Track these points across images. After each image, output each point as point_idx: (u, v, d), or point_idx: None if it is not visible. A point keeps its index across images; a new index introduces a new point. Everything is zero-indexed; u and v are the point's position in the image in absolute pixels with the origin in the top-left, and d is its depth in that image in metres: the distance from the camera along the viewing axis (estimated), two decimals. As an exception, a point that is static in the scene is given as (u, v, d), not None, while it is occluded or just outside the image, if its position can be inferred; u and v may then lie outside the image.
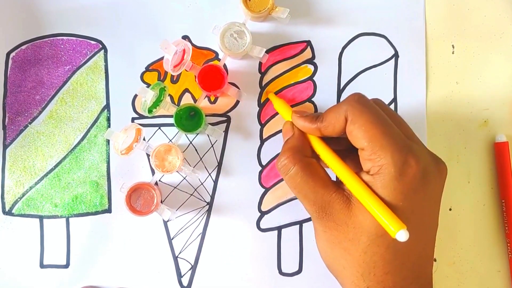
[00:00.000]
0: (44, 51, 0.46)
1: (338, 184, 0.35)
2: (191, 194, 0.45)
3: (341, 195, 0.34)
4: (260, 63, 0.46)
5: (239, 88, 0.46)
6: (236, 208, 0.45)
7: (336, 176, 0.36)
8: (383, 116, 0.33)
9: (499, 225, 0.45)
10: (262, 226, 0.45)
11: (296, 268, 0.45)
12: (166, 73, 0.46)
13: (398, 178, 0.31)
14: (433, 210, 0.35)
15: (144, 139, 0.44)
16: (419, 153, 0.33)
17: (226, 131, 0.46)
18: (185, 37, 0.46)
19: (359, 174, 0.33)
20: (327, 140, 0.37)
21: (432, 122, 0.46)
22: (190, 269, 0.45)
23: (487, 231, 0.45)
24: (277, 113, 0.46)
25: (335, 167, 0.34)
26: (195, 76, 0.44)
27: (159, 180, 0.45)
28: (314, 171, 0.35)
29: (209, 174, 0.45)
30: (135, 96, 0.46)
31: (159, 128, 0.45)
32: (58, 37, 0.46)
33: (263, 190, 0.45)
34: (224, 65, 0.46)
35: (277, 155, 0.45)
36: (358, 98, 0.34)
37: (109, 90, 0.46)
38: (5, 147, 0.46)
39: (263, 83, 0.46)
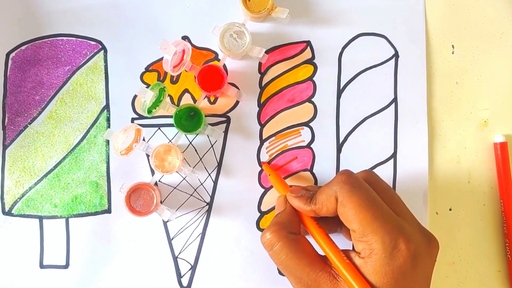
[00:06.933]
0: (43, 51, 0.46)
1: (325, 261, 0.34)
2: (191, 195, 0.45)
3: (328, 274, 0.33)
4: (260, 64, 0.46)
5: (238, 89, 0.46)
6: (236, 208, 0.45)
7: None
8: (373, 197, 0.33)
9: (499, 225, 0.45)
10: (262, 226, 0.45)
11: (296, 269, 0.45)
12: (165, 73, 0.46)
13: (389, 263, 0.31)
14: None
15: (143, 140, 0.44)
16: (410, 234, 0.32)
17: (226, 132, 0.45)
18: (184, 38, 0.46)
19: (350, 256, 0.33)
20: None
21: (432, 122, 0.46)
22: (190, 270, 0.45)
23: (487, 231, 0.45)
24: (277, 113, 0.46)
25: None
26: (195, 77, 0.44)
27: (159, 181, 0.45)
28: (300, 248, 0.34)
29: (209, 175, 0.45)
30: (135, 96, 0.46)
31: (159, 128, 0.45)
32: (58, 38, 0.46)
33: (263, 190, 0.45)
34: (224, 66, 0.46)
35: (277, 155, 0.45)
36: (346, 179, 0.34)
37: (108, 90, 0.46)
38: (4, 147, 0.45)
39: (263, 83, 0.46)
